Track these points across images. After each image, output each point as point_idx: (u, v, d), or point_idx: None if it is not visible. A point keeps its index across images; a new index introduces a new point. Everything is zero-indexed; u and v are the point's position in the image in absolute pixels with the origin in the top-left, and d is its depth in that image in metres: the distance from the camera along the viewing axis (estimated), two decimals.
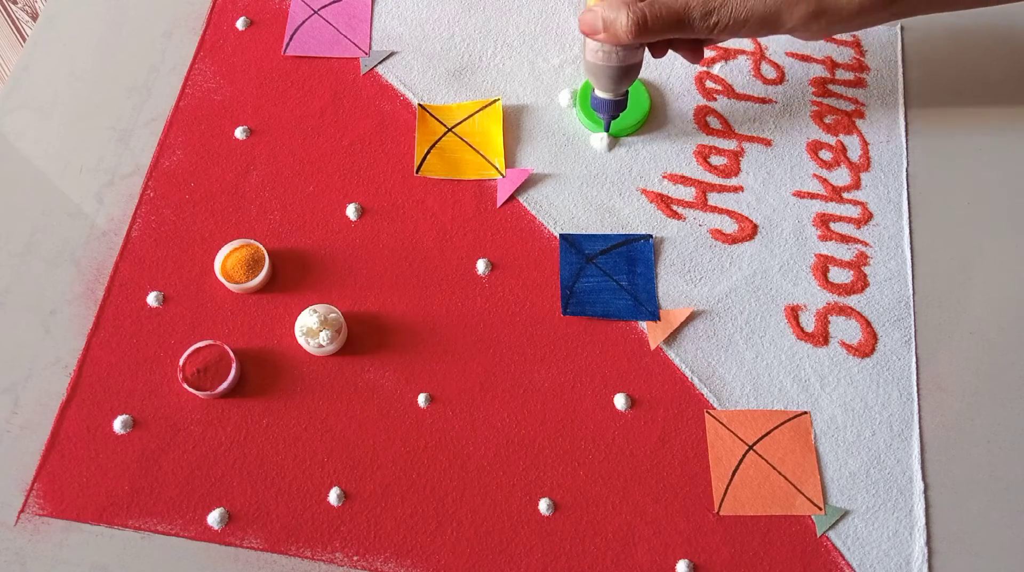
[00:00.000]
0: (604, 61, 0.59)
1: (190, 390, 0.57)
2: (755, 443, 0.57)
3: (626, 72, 0.59)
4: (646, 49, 0.59)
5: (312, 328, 0.58)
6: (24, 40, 1.11)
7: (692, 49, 0.59)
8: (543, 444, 0.57)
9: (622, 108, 0.63)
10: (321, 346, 0.58)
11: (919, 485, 0.57)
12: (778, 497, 0.56)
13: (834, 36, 0.72)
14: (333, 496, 0.55)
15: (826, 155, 0.67)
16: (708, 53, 0.71)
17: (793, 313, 0.62)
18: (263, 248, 0.61)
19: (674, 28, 0.54)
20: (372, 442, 0.57)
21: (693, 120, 0.68)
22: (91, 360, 0.59)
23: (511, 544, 0.54)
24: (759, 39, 0.71)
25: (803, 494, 0.56)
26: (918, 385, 0.60)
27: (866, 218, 0.65)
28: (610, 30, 0.55)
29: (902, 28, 0.73)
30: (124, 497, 0.55)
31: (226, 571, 0.53)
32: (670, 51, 0.60)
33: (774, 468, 0.57)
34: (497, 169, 0.66)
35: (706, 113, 0.69)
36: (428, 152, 0.66)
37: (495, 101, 0.68)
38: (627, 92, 0.62)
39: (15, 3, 1.17)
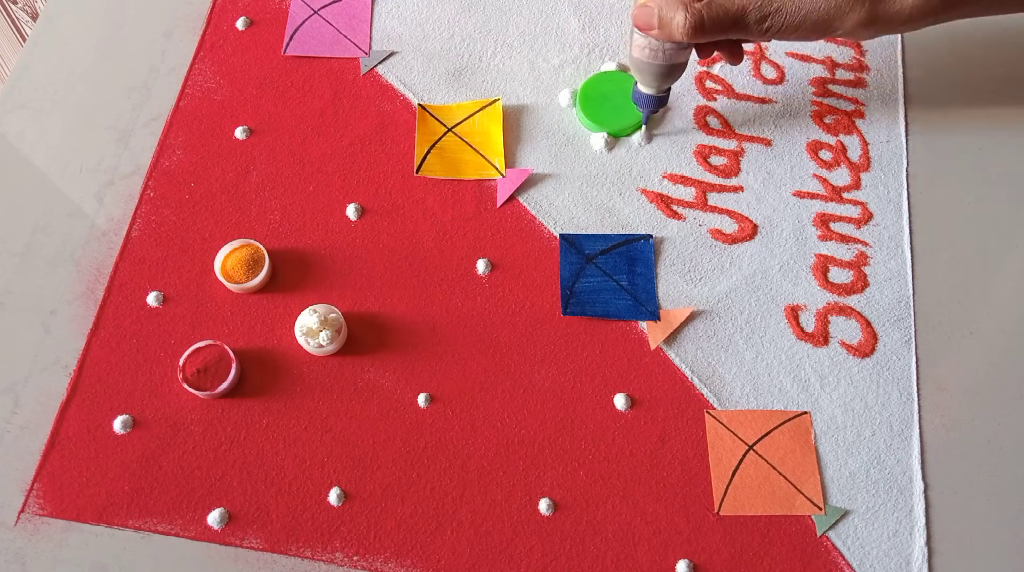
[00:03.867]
0: (651, 59, 0.58)
1: (190, 390, 0.57)
2: (755, 443, 0.57)
3: (672, 70, 0.59)
4: (692, 49, 0.59)
5: (312, 328, 0.58)
6: (24, 40, 1.11)
7: (734, 51, 0.59)
8: (543, 444, 0.57)
9: (663, 104, 0.62)
10: (321, 346, 0.58)
11: (919, 485, 0.57)
12: (778, 497, 0.56)
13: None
14: (333, 496, 0.55)
15: (826, 155, 0.67)
16: None
17: (793, 313, 0.62)
18: (263, 248, 0.61)
19: (730, 29, 0.54)
20: (372, 442, 0.57)
21: (693, 120, 0.68)
22: (91, 360, 0.59)
23: (511, 544, 0.54)
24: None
25: (803, 494, 0.56)
26: (918, 385, 0.60)
27: (866, 218, 0.65)
28: (665, 28, 0.54)
29: None
30: (124, 497, 0.55)
31: (226, 571, 0.53)
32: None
33: (774, 468, 0.57)
34: (497, 169, 0.66)
35: (706, 113, 0.69)
36: (428, 152, 0.66)
37: (495, 101, 0.68)
38: (669, 89, 0.61)
39: (15, 3, 1.17)
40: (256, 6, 0.72)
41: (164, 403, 0.57)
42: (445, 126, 0.68)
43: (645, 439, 0.58)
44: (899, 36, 0.72)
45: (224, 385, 0.57)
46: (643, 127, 0.66)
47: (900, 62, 0.71)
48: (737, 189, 0.66)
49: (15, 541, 0.54)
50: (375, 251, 0.63)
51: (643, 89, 0.61)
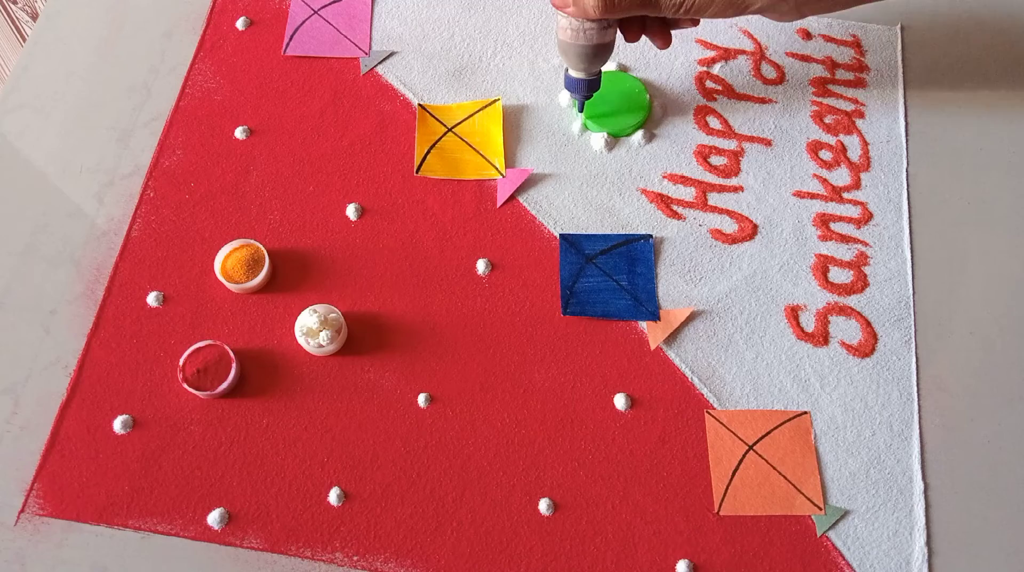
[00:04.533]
0: (573, 39, 0.58)
1: (190, 390, 0.57)
2: (755, 443, 0.57)
3: (595, 52, 0.59)
4: (618, 31, 0.59)
5: (312, 328, 0.58)
6: (24, 40, 1.11)
7: (661, 34, 0.60)
8: (543, 444, 0.57)
9: (595, 88, 0.62)
10: (321, 346, 0.58)
11: (919, 485, 0.57)
12: (778, 497, 0.56)
13: (833, 36, 0.72)
14: (333, 496, 0.55)
15: (826, 155, 0.67)
16: (706, 52, 0.71)
17: (793, 313, 0.62)
18: (263, 248, 0.61)
19: (640, 6, 0.55)
20: (372, 442, 0.57)
21: (693, 120, 0.68)
22: (91, 360, 0.59)
23: (511, 544, 0.54)
24: (759, 38, 0.71)
25: (803, 494, 0.56)
26: (918, 385, 0.60)
27: (866, 218, 0.65)
28: (579, 5, 0.55)
29: (902, 28, 0.73)
30: (124, 497, 0.55)
31: (226, 571, 0.53)
32: (644, 37, 0.61)
33: (774, 468, 0.57)
34: (497, 169, 0.66)
35: (706, 113, 0.69)
36: (428, 152, 0.66)
37: (495, 101, 0.68)
38: (599, 73, 0.62)
39: (15, 3, 1.17)
40: (256, 6, 0.72)
41: (164, 403, 0.57)
42: (445, 126, 0.68)
43: (645, 439, 0.58)
44: (899, 36, 0.72)
45: (224, 385, 0.57)
46: (579, 115, 0.66)
47: (900, 62, 0.71)
48: (737, 189, 0.66)
49: (15, 541, 0.54)
50: (375, 251, 0.63)
51: (573, 73, 0.61)
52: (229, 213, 0.64)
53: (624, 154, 0.67)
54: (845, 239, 0.64)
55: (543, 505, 0.55)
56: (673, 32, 0.61)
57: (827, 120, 0.69)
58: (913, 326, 0.61)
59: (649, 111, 0.68)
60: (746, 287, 0.62)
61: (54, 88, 0.68)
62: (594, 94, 0.63)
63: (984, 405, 0.59)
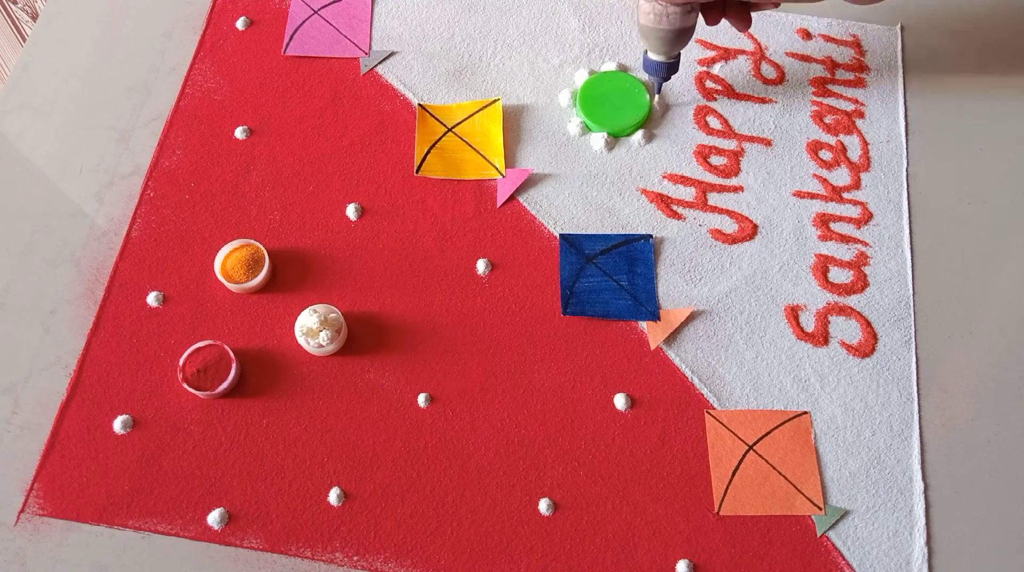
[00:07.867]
0: (656, 24, 0.59)
1: (190, 390, 0.57)
2: (755, 443, 0.57)
3: (677, 36, 0.60)
4: (699, 14, 0.60)
5: (312, 328, 0.58)
6: (24, 40, 1.11)
7: (742, 16, 0.60)
8: (543, 444, 0.57)
9: (674, 71, 0.64)
10: (321, 346, 0.58)
11: (919, 485, 0.57)
12: (778, 497, 0.56)
13: (833, 36, 0.72)
14: (333, 496, 0.55)
15: (826, 155, 0.67)
16: (706, 52, 0.71)
17: (793, 313, 0.62)
18: (263, 248, 0.61)
19: None
20: (372, 442, 0.57)
21: (693, 120, 0.68)
22: (91, 360, 0.59)
23: (511, 544, 0.54)
24: (759, 38, 0.71)
25: (803, 494, 0.56)
26: (918, 385, 0.60)
27: (866, 218, 0.65)
28: None
29: (902, 28, 0.73)
30: (124, 497, 0.55)
31: (226, 571, 0.53)
32: (723, 20, 0.61)
33: (774, 468, 0.57)
34: (497, 169, 0.66)
35: (706, 113, 0.69)
36: (428, 152, 0.66)
37: (495, 101, 0.68)
38: (679, 55, 0.63)
39: (15, 3, 1.17)
40: (256, 6, 0.72)
41: (164, 403, 0.57)
42: (445, 126, 0.68)
43: (645, 439, 0.58)
44: (899, 36, 0.72)
45: (224, 385, 0.57)
46: (656, 95, 0.67)
47: (900, 62, 0.71)
48: (737, 189, 0.66)
49: (15, 541, 0.54)
50: (375, 251, 0.63)
51: (653, 56, 0.62)
52: (229, 213, 0.64)
53: (624, 154, 0.67)
54: (845, 239, 0.64)
55: (543, 505, 0.55)
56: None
57: (827, 120, 0.69)
58: (913, 326, 0.61)
59: (649, 111, 0.68)
60: (746, 287, 0.62)
61: (54, 88, 0.68)
62: (671, 75, 0.64)
63: (984, 405, 0.59)
